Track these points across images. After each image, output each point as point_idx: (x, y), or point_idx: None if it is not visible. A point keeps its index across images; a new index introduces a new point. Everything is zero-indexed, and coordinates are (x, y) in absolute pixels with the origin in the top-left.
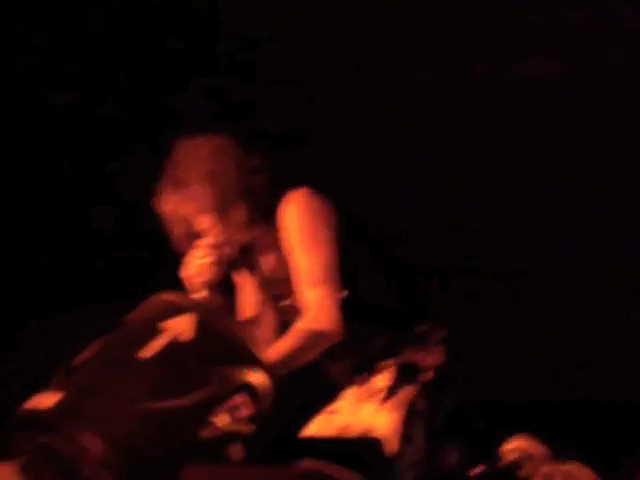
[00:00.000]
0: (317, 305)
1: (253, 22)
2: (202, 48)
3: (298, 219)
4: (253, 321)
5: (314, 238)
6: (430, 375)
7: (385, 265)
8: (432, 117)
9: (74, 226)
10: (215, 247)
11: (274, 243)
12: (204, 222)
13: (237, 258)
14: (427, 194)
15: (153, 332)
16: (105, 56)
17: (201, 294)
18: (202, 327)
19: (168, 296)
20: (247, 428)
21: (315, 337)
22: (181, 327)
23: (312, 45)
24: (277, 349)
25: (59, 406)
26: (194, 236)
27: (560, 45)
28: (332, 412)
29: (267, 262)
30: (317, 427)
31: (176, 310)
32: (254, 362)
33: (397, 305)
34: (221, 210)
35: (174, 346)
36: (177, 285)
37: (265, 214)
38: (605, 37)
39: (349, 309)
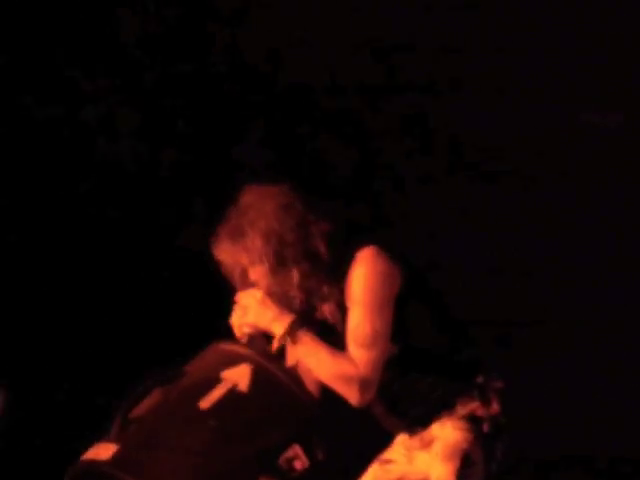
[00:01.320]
0: (359, 364)
1: (311, 68)
2: (262, 95)
3: (362, 281)
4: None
5: (373, 302)
6: (486, 426)
7: (443, 315)
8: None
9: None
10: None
11: (339, 300)
12: (256, 273)
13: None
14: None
15: (211, 382)
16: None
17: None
18: (259, 377)
19: (226, 345)
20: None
21: (343, 379)
22: (239, 377)
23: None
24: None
25: (117, 457)
26: (250, 283)
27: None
28: (386, 461)
29: (329, 316)
30: (372, 477)
31: (234, 359)
32: (311, 413)
33: (454, 356)
34: (275, 267)
35: (232, 396)
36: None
37: (334, 272)
38: None
39: (406, 360)
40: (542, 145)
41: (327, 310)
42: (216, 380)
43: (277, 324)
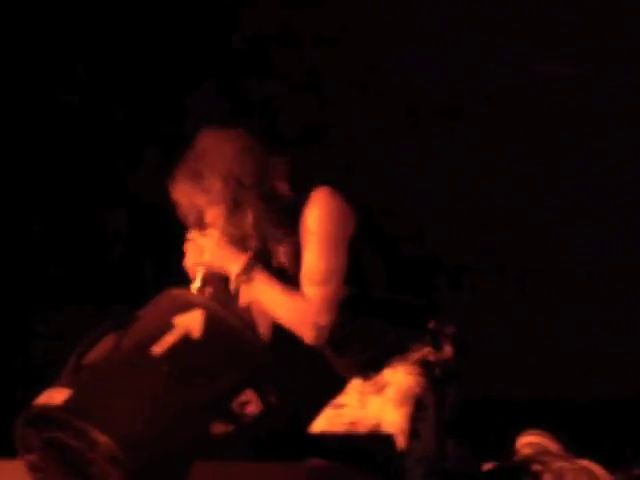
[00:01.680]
0: (313, 301)
1: (267, 19)
2: (217, 46)
3: (316, 220)
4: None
5: (327, 240)
6: (438, 371)
7: (397, 262)
8: (447, 113)
9: (87, 225)
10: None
11: (294, 242)
12: (213, 215)
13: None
14: (439, 190)
15: (164, 328)
16: (117, 56)
17: (207, 290)
18: (212, 323)
19: (178, 292)
20: (255, 424)
21: (297, 317)
22: (191, 323)
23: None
24: (271, 286)
25: (69, 402)
26: (205, 224)
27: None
28: (339, 406)
29: (283, 258)
30: (325, 422)
31: (186, 306)
32: (263, 358)
33: (407, 302)
34: (232, 208)
35: (185, 342)
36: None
37: (288, 214)
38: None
39: (359, 304)
40: (495, 97)
41: (282, 253)
42: (169, 326)
43: (233, 263)
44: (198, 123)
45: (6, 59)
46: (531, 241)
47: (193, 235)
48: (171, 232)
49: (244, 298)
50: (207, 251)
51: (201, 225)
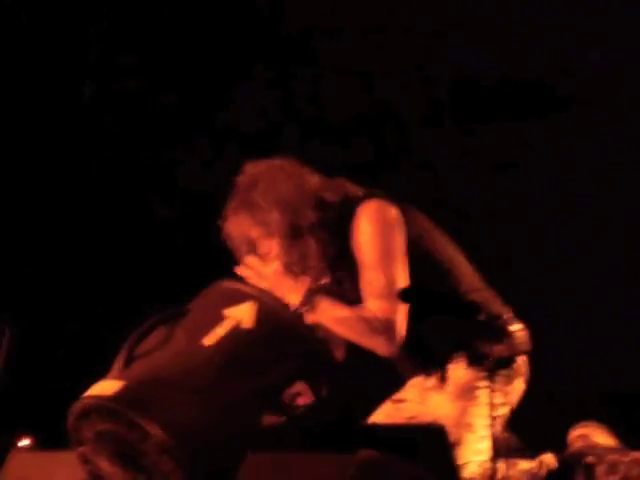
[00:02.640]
0: (383, 316)
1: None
2: (265, 38)
3: (369, 233)
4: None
5: (384, 253)
6: (494, 365)
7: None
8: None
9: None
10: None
11: (349, 263)
12: (269, 246)
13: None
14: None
15: (215, 320)
16: (167, 45)
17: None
18: (263, 314)
19: (229, 284)
20: (306, 415)
21: (370, 333)
22: (242, 314)
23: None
24: (335, 310)
25: (122, 394)
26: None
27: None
28: (399, 401)
29: (339, 280)
30: (384, 415)
31: (238, 297)
32: (315, 348)
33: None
34: (292, 239)
35: (236, 334)
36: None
37: (336, 232)
38: None
39: (421, 302)
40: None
41: (341, 277)
42: (220, 318)
43: (293, 294)
44: (248, 113)
45: (51, 48)
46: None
47: (251, 261)
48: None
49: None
50: (266, 280)
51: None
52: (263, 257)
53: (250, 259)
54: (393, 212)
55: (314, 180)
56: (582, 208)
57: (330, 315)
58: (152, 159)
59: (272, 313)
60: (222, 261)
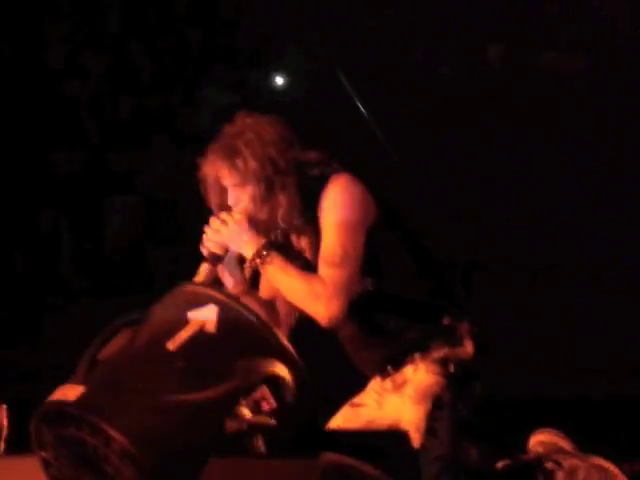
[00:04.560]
0: (328, 282)
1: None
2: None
3: (335, 203)
4: (272, 301)
5: (345, 223)
6: (457, 369)
7: (416, 257)
8: (454, 108)
9: (96, 217)
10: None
11: (314, 230)
12: (238, 195)
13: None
14: (450, 186)
15: (178, 324)
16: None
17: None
18: (226, 318)
19: (192, 287)
20: (270, 421)
21: (311, 297)
22: (205, 318)
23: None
24: (285, 269)
25: (84, 398)
26: (224, 208)
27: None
28: (358, 405)
29: (302, 247)
30: (342, 420)
31: (201, 301)
32: (278, 353)
33: (426, 298)
34: (264, 193)
35: (199, 338)
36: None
37: (307, 200)
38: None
39: (378, 301)
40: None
41: (302, 241)
42: (183, 321)
43: (249, 246)
44: (209, 116)
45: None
46: (543, 239)
47: (220, 215)
48: (181, 226)
49: (263, 287)
50: (225, 231)
51: (221, 205)
52: (233, 205)
53: (214, 221)
54: (360, 189)
55: (299, 146)
56: None
57: (279, 273)
58: (113, 163)
59: (236, 317)
60: (184, 264)
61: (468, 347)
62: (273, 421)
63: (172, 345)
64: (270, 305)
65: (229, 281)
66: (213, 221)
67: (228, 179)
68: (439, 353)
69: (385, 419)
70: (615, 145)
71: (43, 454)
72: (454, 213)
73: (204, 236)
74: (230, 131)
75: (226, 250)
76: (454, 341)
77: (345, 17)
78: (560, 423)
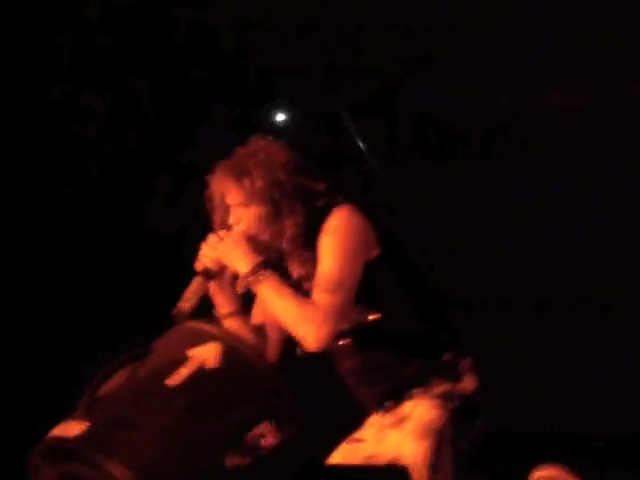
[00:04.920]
0: (319, 307)
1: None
2: (226, 77)
3: (335, 230)
4: (261, 326)
5: (342, 250)
6: (459, 404)
7: (418, 292)
8: (456, 143)
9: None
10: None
11: (313, 260)
12: (240, 215)
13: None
14: (450, 221)
15: (179, 360)
16: (130, 87)
17: (227, 321)
18: (227, 355)
19: (194, 324)
20: (271, 457)
21: (301, 320)
22: (206, 355)
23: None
24: (278, 290)
25: (85, 435)
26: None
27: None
28: (357, 441)
29: (301, 276)
30: (342, 456)
31: (202, 338)
32: (280, 391)
33: (426, 334)
34: (271, 215)
35: (200, 374)
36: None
37: (313, 231)
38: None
39: (379, 335)
40: (507, 125)
41: (300, 269)
42: (184, 358)
43: (244, 262)
44: (209, 153)
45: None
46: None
47: (212, 238)
48: (185, 262)
49: (257, 310)
50: (222, 246)
51: (223, 225)
52: (234, 224)
53: (211, 237)
54: (361, 220)
55: (309, 176)
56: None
57: (272, 293)
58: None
59: (236, 354)
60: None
61: (469, 382)
62: (274, 456)
63: (172, 381)
64: (259, 331)
65: (220, 300)
66: (211, 237)
67: (233, 197)
68: (440, 389)
69: (385, 455)
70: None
71: None
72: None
73: (200, 252)
74: (242, 151)
75: (221, 267)
76: (455, 377)
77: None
78: (563, 458)
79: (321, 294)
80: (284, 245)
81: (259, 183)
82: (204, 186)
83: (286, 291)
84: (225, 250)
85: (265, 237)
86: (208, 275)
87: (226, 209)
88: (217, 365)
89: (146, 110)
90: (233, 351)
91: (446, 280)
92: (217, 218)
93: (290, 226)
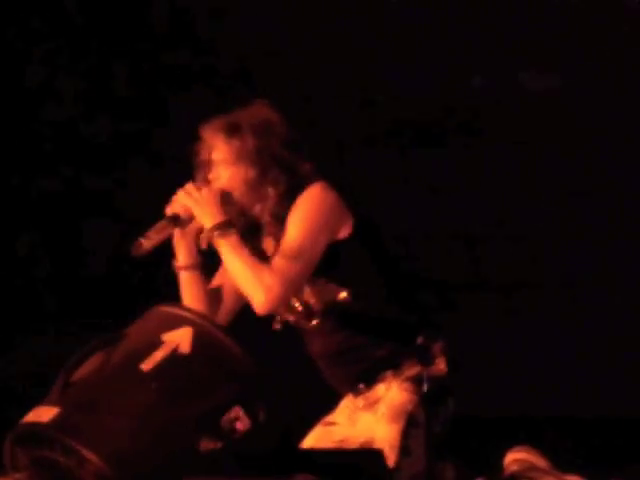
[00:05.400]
0: (275, 271)
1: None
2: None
3: (304, 202)
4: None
5: (309, 223)
6: (430, 387)
7: (390, 274)
8: (438, 125)
9: (71, 237)
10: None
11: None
12: (222, 172)
13: (237, 223)
14: (428, 204)
15: (153, 344)
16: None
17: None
18: (200, 339)
19: (167, 308)
20: (244, 440)
21: (255, 281)
22: (180, 339)
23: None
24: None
25: (58, 419)
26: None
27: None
28: (330, 424)
29: (267, 248)
30: (315, 439)
31: (176, 322)
32: (253, 374)
33: (398, 316)
34: (252, 178)
35: (173, 358)
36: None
37: (286, 204)
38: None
39: (350, 317)
40: (480, 105)
41: (267, 242)
42: (158, 342)
43: (212, 217)
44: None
45: None
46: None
47: (189, 186)
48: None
49: (219, 274)
50: (195, 196)
51: (205, 182)
52: (212, 181)
53: (189, 185)
54: (333, 197)
55: (300, 155)
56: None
57: (231, 251)
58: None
59: (209, 338)
60: (161, 283)
61: (441, 365)
62: (246, 440)
63: (146, 366)
64: (214, 293)
65: (180, 250)
66: (189, 185)
67: (219, 153)
68: (412, 371)
69: (358, 437)
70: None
71: (17, 476)
72: (431, 229)
73: (174, 196)
74: (240, 111)
75: (189, 216)
76: (427, 360)
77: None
78: (536, 440)
79: (280, 259)
80: (264, 216)
81: (249, 144)
82: (180, 171)
83: (245, 252)
84: (197, 200)
85: (243, 200)
86: (175, 220)
87: (209, 165)
88: (191, 349)
89: (121, 92)
90: (207, 335)
91: (420, 263)
92: (200, 174)
93: (272, 196)
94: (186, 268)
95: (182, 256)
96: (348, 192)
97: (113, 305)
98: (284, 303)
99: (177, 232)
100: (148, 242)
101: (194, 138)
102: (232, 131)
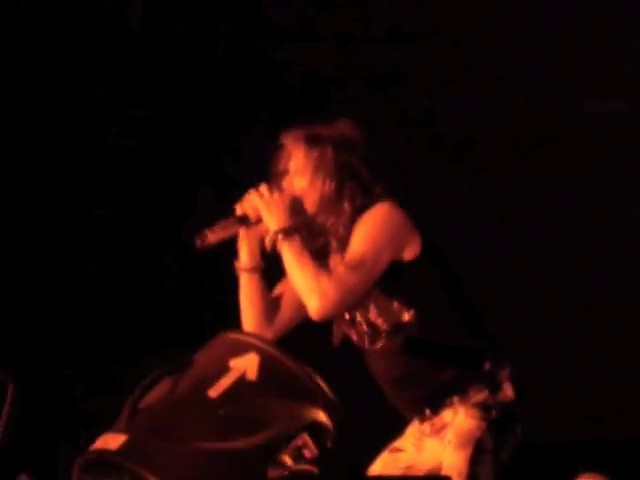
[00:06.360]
0: (334, 279)
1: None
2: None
3: (371, 217)
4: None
5: (374, 237)
6: (497, 414)
7: (457, 297)
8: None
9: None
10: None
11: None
12: (296, 183)
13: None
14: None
15: (220, 371)
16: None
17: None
18: (268, 365)
19: (234, 335)
20: (312, 468)
21: (313, 286)
22: (247, 366)
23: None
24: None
25: (126, 447)
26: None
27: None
28: (396, 450)
29: (334, 261)
30: (382, 466)
31: (242, 348)
32: (318, 400)
33: (465, 340)
34: (329, 194)
35: (241, 385)
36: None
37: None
38: None
39: (416, 340)
40: (546, 131)
41: (335, 259)
42: (225, 369)
43: (277, 220)
44: (252, 165)
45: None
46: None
47: (263, 187)
48: (227, 278)
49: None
50: (265, 198)
51: (277, 187)
52: (285, 189)
53: (262, 187)
54: (401, 216)
55: (375, 178)
56: None
57: (293, 255)
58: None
59: (277, 364)
60: (228, 312)
61: (508, 391)
62: (315, 469)
63: (214, 393)
64: (274, 302)
65: (243, 250)
66: (262, 186)
67: (298, 161)
68: (479, 397)
69: (425, 464)
70: None
71: None
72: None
73: (245, 196)
74: (324, 125)
75: (258, 218)
76: (494, 386)
77: None
78: (605, 466)
79: (340, 268)
80: (338, 230)
81: (329, 156)
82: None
83: (306, 256)
84: (267, 202)
85: (314, 211)
86: (243, 220)
87: (286, 173)
88: (258, 376)
89: (187, 122)
90: (274, 361)
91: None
92: (276, 182)
93: (347, 211)
94: (247, 270)
95: (244, 257)
96: (415, 214)
97: (178, 333)
98: (339, 311)
99: (242, 231)
100: (213, 235)
101: (264, 170)
102: (313, 141)
